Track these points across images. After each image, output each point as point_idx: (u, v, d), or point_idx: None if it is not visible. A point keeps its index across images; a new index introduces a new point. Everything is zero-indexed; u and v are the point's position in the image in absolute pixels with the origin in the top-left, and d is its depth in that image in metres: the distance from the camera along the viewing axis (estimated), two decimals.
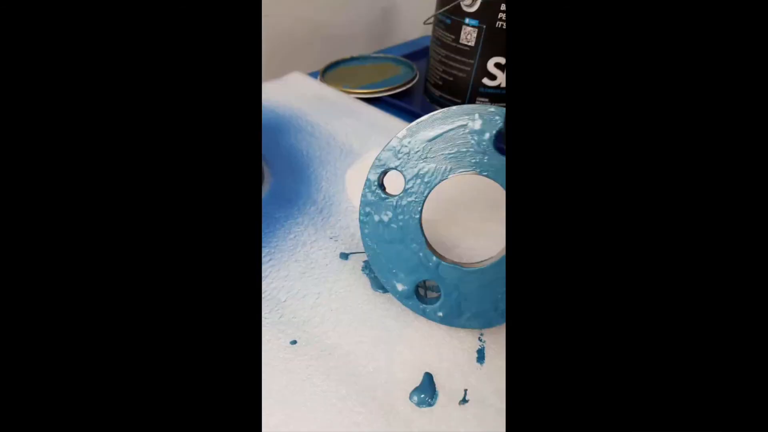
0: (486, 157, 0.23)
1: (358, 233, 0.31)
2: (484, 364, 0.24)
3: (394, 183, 0.26)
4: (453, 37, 0.45)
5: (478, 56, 0.45)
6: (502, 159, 0.23)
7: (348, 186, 0.35)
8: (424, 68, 0.52)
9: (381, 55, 0.59)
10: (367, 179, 0.25)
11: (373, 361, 0.23)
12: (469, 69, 0.46)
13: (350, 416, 0.21)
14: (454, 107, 0.23)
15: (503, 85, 0.46)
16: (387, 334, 0.25)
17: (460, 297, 0.24)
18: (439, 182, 0.24)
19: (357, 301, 0.26)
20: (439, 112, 0.23)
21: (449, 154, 0.23)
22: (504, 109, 0.22)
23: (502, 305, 0.24)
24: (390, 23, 0.78)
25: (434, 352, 0.24)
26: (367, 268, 0.28)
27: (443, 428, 0.21)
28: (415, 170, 0.24)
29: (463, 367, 0.23)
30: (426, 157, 0.24)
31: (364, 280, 0.27)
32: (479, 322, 0.24)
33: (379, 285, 0.27)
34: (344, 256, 0.29)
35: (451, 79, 0.48)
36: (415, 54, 0.63)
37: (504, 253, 0.23)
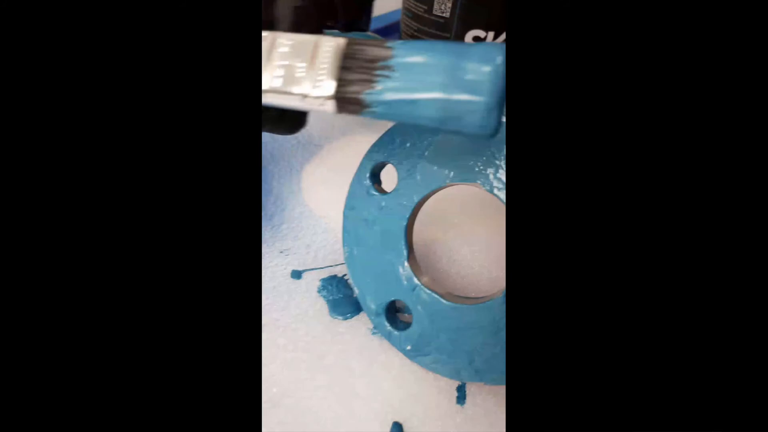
0: (500, 171, 0.18)
1: (314, 244, 0.26)
2: (465, 406, 0.20)
3: (392, 178, 0.21)
4: (425, 7, 0.40)
5: (454, 29, 0.40)
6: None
7: (304, 185, 0.30)
8: None
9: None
10: (360, 165, 0.21)
11: (329, 411, 0.19)
12: None
13: None
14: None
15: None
16: (348, 374, 0.20)
17: (432, 333, 0.20)
18: (436, 188, 0.20)
19: (311, 333, 0.22)
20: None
21: (455, 156, 0.19)
22: None
23: (479, 361, 0.19)
24: None
25: (405, 394, 0.20)
26: (325, 287, 0.24)
27: None
28: (411, 168, 0.20)
29: (440, 410, 0.19)
30: (426, 155, 0.19)
31: (321, 305, 0.23)
32: (447, 370, 0.19)
33: (338, 309, 0.23)
34: (296, 274, 0.24)
35: None
36: (388, 29, 0.58)
37: (497, 296, 0.19)
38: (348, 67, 0.14)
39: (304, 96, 0.15)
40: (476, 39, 0.40)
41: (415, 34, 0.42)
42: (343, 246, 0.22)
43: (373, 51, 0.14)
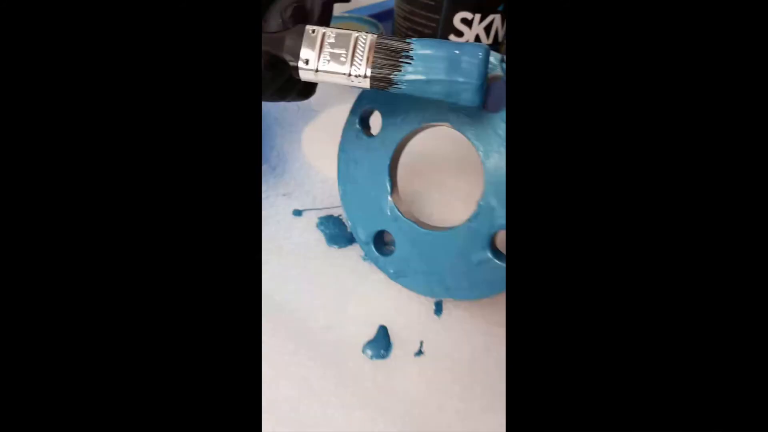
0: (464, 112, 0.21)
1: (313, 191, 0.29)
2: (442, 316, 0.23)
3: (379, 123, 0.24)
4: None
5: (443, 11, 0.43)
6: (482, 115, 0.21)
7: (304, 143, 0.33)
8: (391, 28, 0.50)
9: (345, 14, 0.57)
10: (351, 112, 0.24)
11: (324, 316, 0.22)
12: (434, 25, 0.44)
13: (298, 370, 0.20)
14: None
15: (471, 42, 0.45)
16: (340, 289, 0.24)
17: (410, 257, 0.23)
18: (413, 130, 0.23)
19: (309, 257, 0.25)
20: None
21: (429, 102, 0.22)
22: (498, 54, 0.20)
23: (450, 280, 0.22)
24: None
25: (390, 306, 0.23)
26: (323, 223, 0.27)
27: (397, 380, 0.20)
28: (392, 112, 0.23)
29: (420, 319, 0.23)
30: (405, 101, 0.23)
31: (318, 236, 0.26)
32: (422, 288, 0.23)
33: (334, 240, 0.26)
34: (297, 212, 0.28)
35: (416, 36, 0.46)
36: (384, 14, 0.61)
37: (461, 222, 0.22)
38: (379, 55, 0.19)
39: (348, 75, 0.19)
40: (464, 21, 0.43)
41: (408, 16, 0.45)
42: (338, 184, 0.25)
43: (398, 45, 0.19)
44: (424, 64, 0.19)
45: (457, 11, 0.43)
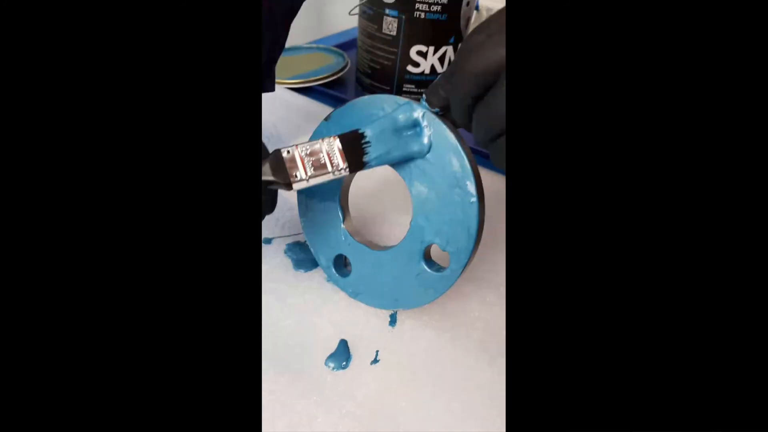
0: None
1: (282, 219, 0.32)
2: (396, 327, 0.26)
3: None
4: (376, 26, 0.47)
5: (400, 45, 0.47)
6: (407, 153, 0.24)
7: None
8: (355, 58, 0.54)
9: (313, 45, 0.60)
10: None
11: (291, 333, 0.25)
12: (393, 57, 0.48)
13: (266, 386, 0.23)
14: (370, 96, 0.25)
15: (427, 71, 0.49)
16: (305, 307, 0.27)
17: (364, 275, 0.27)
18: None
19: (275, 280, 0.28)
20: (358, 100, 0.25)
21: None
22: (413, 102, 0.24)
23: (397, 292, 0.26)
24: (324, 14, 0.79)
25: (350, 321, 0.26)
26: (290, 250, 0.30)
27: (355, 387, 0.23)
28: None
29: (376, 331, 0.26)
30: None
31: (287, 262, 0.29)
32: (376, 302, 0.27)
33: (300, 265, 0.29)
34: (267, 240, 0.31)
35: (378, 67, 0.50)
36: (348, 44, 0.64)
37: (398, 242, 0.25)
38: (347, 150, 0.24)
39: (332, 173, 0.23)
40: (419, 53, 0.47)
41: (369, 49, 0.49)
42: (299, 217, 0.28)
43: (355, 136, 0.24)
44: (378, 141, 0.23)
45: (413, 44, 0.47)
